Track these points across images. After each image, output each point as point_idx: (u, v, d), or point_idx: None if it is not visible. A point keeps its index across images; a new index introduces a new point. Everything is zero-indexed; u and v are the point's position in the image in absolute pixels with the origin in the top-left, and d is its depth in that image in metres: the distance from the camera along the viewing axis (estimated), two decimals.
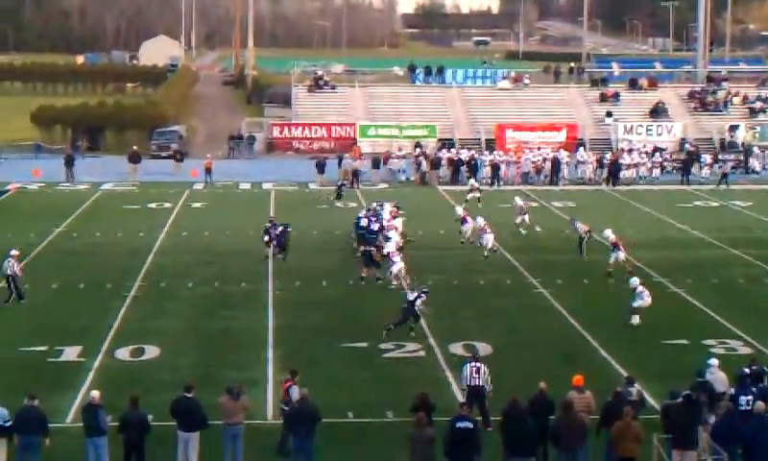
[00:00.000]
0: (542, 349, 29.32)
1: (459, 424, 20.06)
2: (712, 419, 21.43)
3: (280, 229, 40.64)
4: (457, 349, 29.25)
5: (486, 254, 40.64)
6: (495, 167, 61.89)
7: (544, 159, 63.63)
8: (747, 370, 22.86)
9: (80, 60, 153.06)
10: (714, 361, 23.63)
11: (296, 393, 22.14)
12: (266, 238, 40.33)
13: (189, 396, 21.31)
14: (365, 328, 31.03)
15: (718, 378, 22.88)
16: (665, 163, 65.51)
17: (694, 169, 65.10)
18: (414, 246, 41.68)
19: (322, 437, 22.80)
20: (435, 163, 63.52)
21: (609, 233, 38.89)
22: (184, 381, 22.09)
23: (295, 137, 76.14)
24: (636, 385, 22.82)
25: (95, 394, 21.60)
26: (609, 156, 64.68)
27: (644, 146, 68.21)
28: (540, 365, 26.83)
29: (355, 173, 60.88)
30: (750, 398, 21.63)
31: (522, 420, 20.60)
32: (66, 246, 43.50)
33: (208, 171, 60.84)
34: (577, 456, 19.87)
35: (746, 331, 30.85)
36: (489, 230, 41.26)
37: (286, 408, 22.05)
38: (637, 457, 19.88)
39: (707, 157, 66.63)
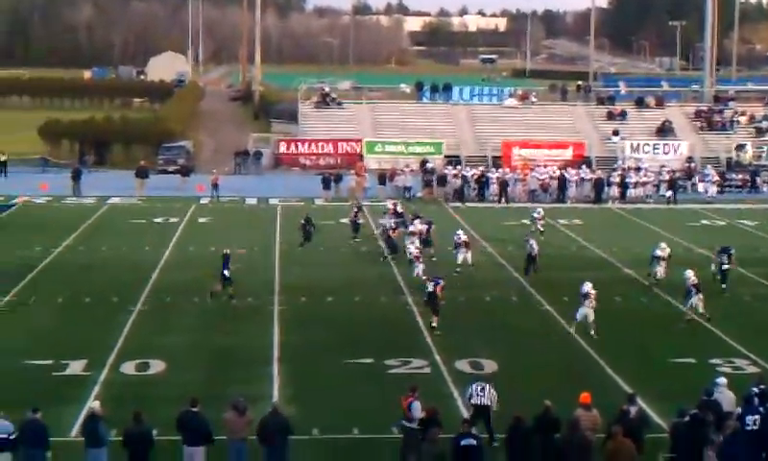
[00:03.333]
0: (549, 367, 29.18)
1: (464, 442, 20.07)
2: (720, 438, 21.33)
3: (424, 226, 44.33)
4: (463, 365, 29.17)
5: (458, 269, 40.67)
6: (504, 184, 61.92)
7: (551, 177, 63.66)
8: (756, 389, 22.77)
9: (87, 74, 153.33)
10: (722, 380, 23.54)
11: (418, 409, 22.00)
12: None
13: (195, 410, 21.27)
14: (370, 344, 30.99)
15: (726, 398, 22.77)
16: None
17: (700, 188, 65.50)
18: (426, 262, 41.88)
19: (327, 453, 22.83)
20: (441, 180, 63.57)
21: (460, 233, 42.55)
22: (190, 396, 22.03)
23: (301, 153, 76.11)
24: (637, 403, 22.70)
25: (96, 404, 21.62)
26: (616, 174, 64.67)
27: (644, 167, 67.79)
28: (546, 383, 26.65)
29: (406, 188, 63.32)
30: (757, 417, 21.54)
31: (526, 437, 20.53)
32: (72, 260, 43.48)
33: (215, 186, 60.90)
34: None
35: (753, 350, 30.74)
36: (465, 248, 41.76)
37: (408, 425, 21.87)
38: None
39: (713, 175, 66.68)
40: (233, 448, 21.15)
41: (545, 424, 21.11)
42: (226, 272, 36.36)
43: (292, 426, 21.24)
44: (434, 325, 32.45)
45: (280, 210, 57.24)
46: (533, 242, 41.30)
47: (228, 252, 37.60)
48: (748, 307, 36.75)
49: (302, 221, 47.11)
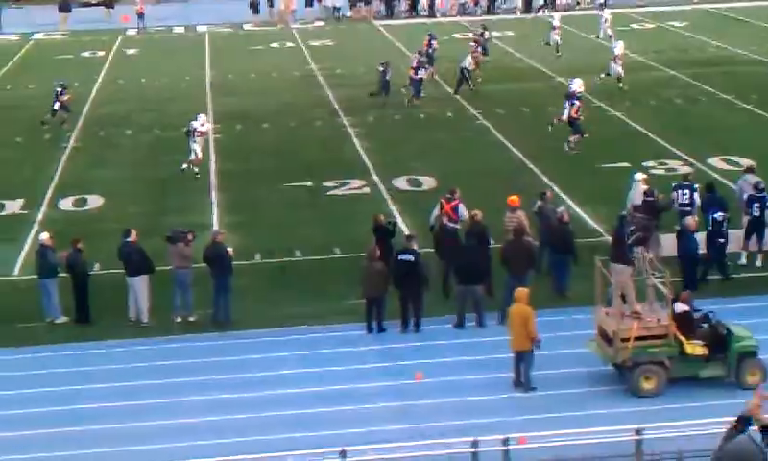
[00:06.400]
0: (485, 179, 29.37)
1: (402, 257, 20.45)
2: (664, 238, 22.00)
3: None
4: (401, 183, 29.40)
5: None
6: None
7: None
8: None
9: None
10: (639, 175, 24.28)
11: (464, 210, 22.38)
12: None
13: (129, 240, 21.39)
14: (308, 168, 31.05)
15: (639, 191, 23.28)
16: None
17: None
18: (356, 82, 41.74)
19: (269, 277, 23.10)
20: None
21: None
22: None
23: None
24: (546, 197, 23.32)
25: (45, 236, 21.70)
26: None
27: None
28: (484, 195, 26.76)
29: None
30: (686, 192, 23.32)
31: (455, 243, 21.27)
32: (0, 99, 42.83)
33: (141, 16, 59.72)
34: (524, 281, 20.12)
35: (684, 150, 31.21)
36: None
37: (453, 226, 22.10)
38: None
39: None
40: (177, 278, 21.29)
41: (475, 235, 21.52)
42: (56, 105, 36.44)
43: (230, 257, 21.33)
44: (572, 144, 31.68)
45: (209, 38, 56.42)
46: (469, 58, 40.71)
47: (63, 84, 37.56)
48: (679, 109, 37.14)
49: (380, 67, 39.79)
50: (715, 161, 30.11)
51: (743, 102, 37.26)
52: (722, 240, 22.14)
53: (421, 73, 38.88)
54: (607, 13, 52.17)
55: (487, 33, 45.36)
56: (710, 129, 34.20)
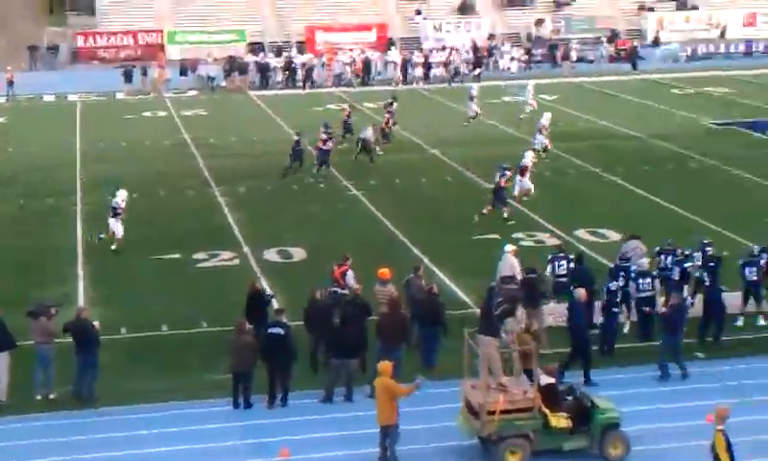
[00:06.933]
0: (357, 250, 29.07)
1: (271, 330, 20.21)
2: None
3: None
4: (272, 255, 29.18)
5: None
6: (310, 70, 61.70)
7: (354, 60, 63.51)
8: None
9: None
10: (508, 247, 24.74)
11: (351, 277, 22.72)
12: None
13: None
14: (177, 239, 30.65)
15: (507, 263, 23.64)
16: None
17: (501, 64, 66.83)
18: (229, 152, 41.47)
19: (135, 352, 22.66)
20: (243, 69, 62.70)
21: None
22: None
23: (100, 47, 74.07)
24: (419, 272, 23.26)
25: None
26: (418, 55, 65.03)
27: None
28: (356, 267, 26.44)
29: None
30: (563, 262, 24.23)
31: (325, 315, 21.06)
32: None
33: (10, 84, 58.85)
34: (397, 354, 20.03)
35: (553, 223, 31.57)
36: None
37: (341, 291, 22.40)
38: None
39: (512, 51, 67.84)
40: (39, 354, 20.68)
41: (356, 308, 21.34)
42: None
43: (96, 332, 20.79)
44: (505, 216, 31.94)
45: (80, 106, 55.70)
46: (369, 129, 41.00)
47: None
48: (548, 182, 37.57)
49: (295, 138, 39.36)
50: (582, 233, 30.54)
51: (610, 174, 37.98)
52: (616, 310, 22.45)
53: (330, 144, 38.50)
54: (531, 84, 52.66)
55: (395, 104, 45.47)
56: (578, 201, 34.74)
